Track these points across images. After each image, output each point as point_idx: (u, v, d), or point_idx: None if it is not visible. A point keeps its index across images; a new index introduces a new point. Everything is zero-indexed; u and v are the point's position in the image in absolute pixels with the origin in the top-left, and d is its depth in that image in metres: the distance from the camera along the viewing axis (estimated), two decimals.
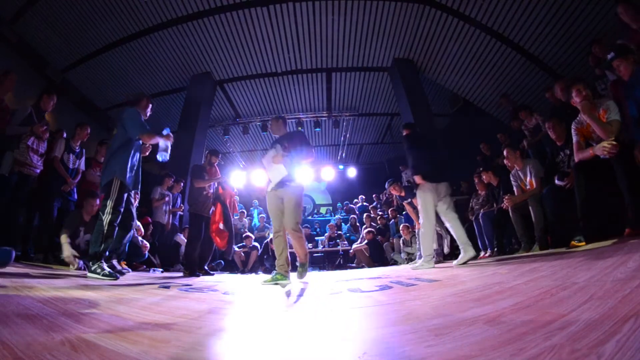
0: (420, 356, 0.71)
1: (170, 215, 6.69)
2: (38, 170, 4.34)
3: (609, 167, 2.90)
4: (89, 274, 3.14)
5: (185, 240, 6.49)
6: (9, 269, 2.61)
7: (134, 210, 4.52)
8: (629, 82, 3.07)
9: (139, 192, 4.45)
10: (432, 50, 8.00)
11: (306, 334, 1.12)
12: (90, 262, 3.20)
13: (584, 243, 2.96)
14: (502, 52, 7.40)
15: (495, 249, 4.78)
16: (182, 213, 7.08)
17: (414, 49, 8.08)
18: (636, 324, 0.69)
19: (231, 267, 7.38)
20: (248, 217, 9.83)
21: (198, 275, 4.60)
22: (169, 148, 3.57)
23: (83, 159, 5.07)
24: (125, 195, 3.49)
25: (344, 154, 12.86)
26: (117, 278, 3.13)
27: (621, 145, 2.85)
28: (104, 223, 3.27)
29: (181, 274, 4.82)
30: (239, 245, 7.77)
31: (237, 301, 2.19)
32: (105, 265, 3.27)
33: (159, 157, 3.58)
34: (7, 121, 4.12)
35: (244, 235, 7.98)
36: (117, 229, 3.49)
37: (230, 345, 1.02)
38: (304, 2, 6.95)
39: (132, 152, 3.48)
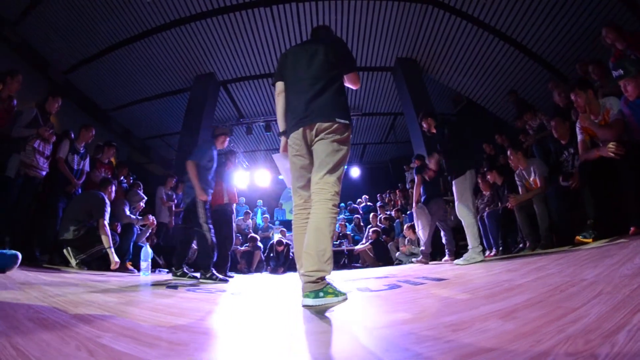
0: (441, 350, 0.74)
1: (174, 215, 6.69)
2: (44, 173, 4.33)
3: (614, 166, 2.92)
4: (202, 280, 3.74)
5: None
6: (16, 272, 2.57)
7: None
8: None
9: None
10: (435, 49, 8.00)
11: (324, 334, 1.13)
12: (203, 271, 3.81)
13: (590, 240, 2.98)
14: (505, 51, 7.40)
15: (501, 248, 4.80)
16: None
17: (417, 48, 8.09)
18: None
19: (235, 267, 7.40)
20: (253, 218, 9.84)
21: (227, 281, 4.04)
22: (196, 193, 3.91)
23: (87, 160, 5.06)
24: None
25: None
26: (227, 282, 3.87)
27: (626, 145, 2.87)
28: (208, 236, 3.83)
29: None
30: (243, 245, 7.81)
31: (246, 302, 2.20)
32: (215, 271, 3.89)
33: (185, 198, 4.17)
34: (12, 121, 4.09)
35: (249, 236, 8.01)
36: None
37: (249, 347, 1.00)
38: (307, 2, 6.96)
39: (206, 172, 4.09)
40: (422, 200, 5.43)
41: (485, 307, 1.14)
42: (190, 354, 0.88)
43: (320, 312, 1.53)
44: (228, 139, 4.58)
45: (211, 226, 3.94)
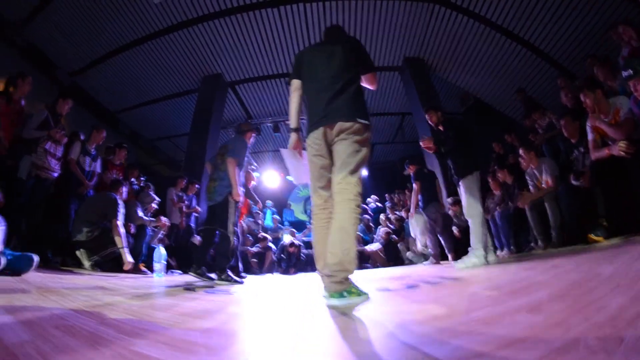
0: (480, 342, 0.80)
1: (185, 217, 6.75)
2: (56, 174, 4.36)
3: (624, 165, 2.97)
4: (218, 281, 3.70)
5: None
6: (31, 275, 2.58)
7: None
8: None
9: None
10: (443, 48, 8.00)
11: (360, 331, 1.14)
12: (219, 273, 3.77)
13: (602, 238, 3.03)
14: (512, 49, 7.40)
15: (512, 247, 4.84)
16: (197, 215, 7.15)
17: (425, 47, 8.09)
18: None
19: (247, 268, 7.47)
20: (261, 220, 9.88)
21: (242, 282, 3.99)
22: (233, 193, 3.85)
23: (99, 161, 5.12)
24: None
25: None
26: (242, 283, 3.85)
27: (636, 144, 2.91)
28: (232, 239, 3.77)
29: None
30: (254, 246, 7.88)
31: (269, 303, 2.19)
32: (230, 273, 3.85)
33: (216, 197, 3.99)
34: (23, 123, 4.13)
35: (259, 235, 8.08)
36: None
37: (290, 347, 0.99)
38: (314, 2, 6.97)
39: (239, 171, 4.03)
40: (420, 206, 5.52)
41: (511, 303, 1.21)
42: (234, 358, 0.87)
43: (345, 312, 1.52)
44: (254, 134, 4.48)
45: (237, 229, 3.89)
